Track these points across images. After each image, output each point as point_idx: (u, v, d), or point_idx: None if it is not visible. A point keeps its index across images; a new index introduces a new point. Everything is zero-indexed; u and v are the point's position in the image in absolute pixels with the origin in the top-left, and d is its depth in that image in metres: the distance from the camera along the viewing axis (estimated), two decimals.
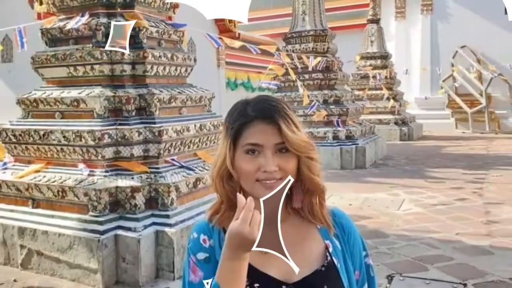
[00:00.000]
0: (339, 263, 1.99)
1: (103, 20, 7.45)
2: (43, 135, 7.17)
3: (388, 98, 24.05)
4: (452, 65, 29.05)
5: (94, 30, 7.34)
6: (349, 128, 16.40)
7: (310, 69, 15.59)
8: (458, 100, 28.81)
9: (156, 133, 6.97)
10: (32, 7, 14.80)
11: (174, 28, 8.30)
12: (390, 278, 6.45)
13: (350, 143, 16.03)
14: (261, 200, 1.69)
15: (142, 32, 7.49)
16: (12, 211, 7.23)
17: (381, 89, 24.30)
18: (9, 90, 15.33)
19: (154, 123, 7.08)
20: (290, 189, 1.97)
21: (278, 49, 14.81)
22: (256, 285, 1.88)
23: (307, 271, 1.93)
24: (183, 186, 6.98)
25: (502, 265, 6.86)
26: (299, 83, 14.74)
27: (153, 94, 7.17)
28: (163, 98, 7.32)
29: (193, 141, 7.67)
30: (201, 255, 1.95)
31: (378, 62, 25.38)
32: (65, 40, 7.69)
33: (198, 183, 7.28)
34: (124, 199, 6.62)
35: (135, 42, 7.52)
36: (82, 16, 7.43)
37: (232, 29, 22.00)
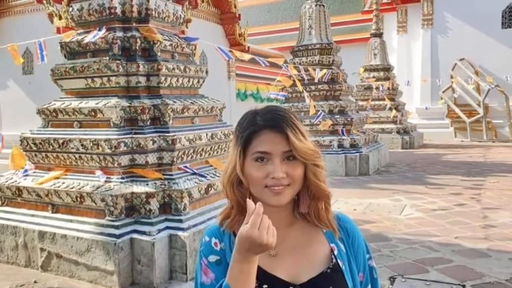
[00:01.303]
0: (344, 265, 1.99)
1: (119, 34, 7.48)
2: (62, 143, 7.20)
3: (390, 108, 24.04)
4: (451, 77, 28.98)
5: (111, 43, 7.37)
6: (353, 137, 16.39)
7: (316, 80, 15.62)
8: (457, 110, 28.72)
9: (170, 142, 6.98)
10: (52, 22, 14.92)
11: (186, 41, 8.32)
12: (392, 279, 6.43)
13: (354, 151, 16.02)
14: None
15: (156, 45, 7.51)
16: (32, 215, 7.24)
17: (383, 99, 24.30)
18: (30, 101, 15.41)
19: (168, 132, 7.09)
20: (297, 194, 1.98)
21: (285, 62, 14.84)
22: (265, 286, 1.88)
23: (313, 272, 1.93)
24: (196, 192, 6.98)
25: (499, 267, 6.83)
26: (305, 94, 14.76)
27: (167, 104, 7.19)
28: (176, 108, 7.33)
29: (205, 149, 7.67)
30: (213, 258, 1.96)
31: (381, 74, 25.39)
32: (83, 53, 7.72)
33: (209, 189, 7.28)
34: (139, 204, 6.62)
35: (150, 55, 7.55)
36: (99, 30, 7.46)
37: (242, 43, 22.02)
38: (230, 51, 10.94)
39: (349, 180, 14.84)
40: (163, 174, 6.99)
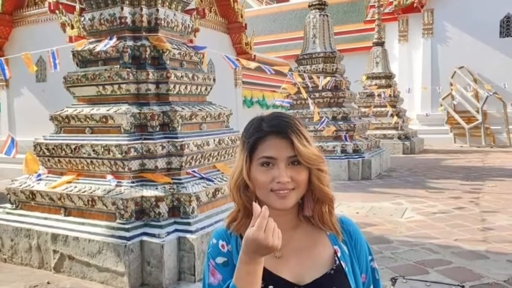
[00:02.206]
0: (347, 266, 1.98)
1: (130, 43, 7.50)
2: (74, 148, 7.21)
3: (392, 115, 24.03)
4: (451, 84, 28.96)
5: (121, 52, 7.38)
6: (356, 142, 16.38)
7: (320, 88, 15.67)
8: (456, 116, 28.68)
9: (178, 147, 6.98)
10: (64, 31, 14.98)
11: (195, 50, 8.33)
12: (393, 280, 6.42)
13: (357, 156, 16.01)
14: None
15: (166, 54, 7.52)
16: (46, 218, 7.25)
17: (385, 106, 24.30)
18: (43, 107, 15.47)
19: (177, 137, 7.10)
20: (302, 198, 1.98)
21: (290, 70, 14.83)
22: (270, 287, 1.88)
23: (317, 274, 1.93)
24: (203, 195, 6.97)
25: (497, 269, 6.81)
26: (310, 101, 14.76)
27: (176, 111, 7.19)
28: (185, 114, 7.34)
29: (212, 154, 7.67)
30: (220, 259, 1.95)
31: (383, 81, 25.40)
32: (94, 61, 7.74)
33: (217, 193, 7.28)
34: (148, 207, 6.63)
35: (159, 63, 7.56)
36: (110, 39, 7.48)
37: (248, 51, 22.04)
38: (237, 59, 10.94)
39: (352, 184, 14.83)
40: (172, 179, 6.99)
